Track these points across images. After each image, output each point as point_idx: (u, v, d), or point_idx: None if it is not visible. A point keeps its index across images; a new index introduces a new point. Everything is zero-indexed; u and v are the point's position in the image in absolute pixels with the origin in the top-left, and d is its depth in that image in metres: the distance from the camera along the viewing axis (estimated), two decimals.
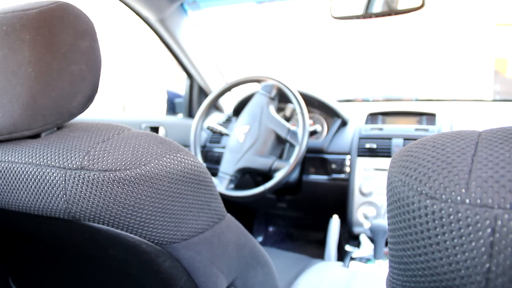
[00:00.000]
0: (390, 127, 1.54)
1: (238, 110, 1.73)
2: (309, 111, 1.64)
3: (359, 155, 1.52)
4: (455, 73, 5.78)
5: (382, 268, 1.26)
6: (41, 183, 0.50)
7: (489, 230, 0.26)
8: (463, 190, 0.27)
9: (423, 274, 0.29)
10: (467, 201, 0.27)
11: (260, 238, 2.18)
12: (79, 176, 0.48)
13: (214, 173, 1.44)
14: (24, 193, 0.51)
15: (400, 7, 1.09)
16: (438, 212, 0.28)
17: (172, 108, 2.08)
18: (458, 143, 0.31)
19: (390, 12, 1.10)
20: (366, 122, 1.61)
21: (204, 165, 0.61)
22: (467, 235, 0.26)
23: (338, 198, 1.56)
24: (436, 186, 0.28)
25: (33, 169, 0.51)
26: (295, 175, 1.62)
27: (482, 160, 0.28)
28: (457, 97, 1.79)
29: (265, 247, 0.94)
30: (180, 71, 1.85)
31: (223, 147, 1.71)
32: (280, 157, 1.43)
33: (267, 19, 6.36)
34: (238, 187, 1.41)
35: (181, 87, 2.00)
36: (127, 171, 0.49)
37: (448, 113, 1.57)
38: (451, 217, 0.27)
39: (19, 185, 0.52)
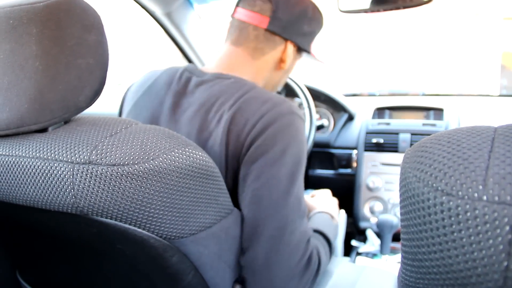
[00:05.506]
0: (397, 122, 1.53)
1: None
2: (315, 106, 1.63)
3: (366, 150, 1.51)
4: (462, 67, 5.73)
5: (388, 263, 1.25)
6: (49, 178, 0.50)
7: (507, 227, 0.25)
8: (480, 187, 0.27)
9: (438, 272, 0.29)
10: (485, 198, 0.26)
11: None
12: (87, 170, 0.48)
13: None
14: (31, 187, 0.51)
15: (408, 1, 1.07)
16: (454, 209, 0.27)
17: None
18: (474, 139, 0.30)
19: (398, 6, 1.09)
20: (373, 117, 1.60)
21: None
22: (484, 233, 0.26)
23: (345, 193, 1.55)
24: (453, 183, 0.28)
25: (40, 163, 0.50)
26: None
27: (500, 156, 0.28)
28: (463, 92, 1.78)
29: None
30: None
31: None
32: None
33: None
34: None
35: None
36: (136, 166, 0.48)
37: (456, 108, 1.55)
38: (468, 214, 0.26)
39: (27, 179, 0.51)
